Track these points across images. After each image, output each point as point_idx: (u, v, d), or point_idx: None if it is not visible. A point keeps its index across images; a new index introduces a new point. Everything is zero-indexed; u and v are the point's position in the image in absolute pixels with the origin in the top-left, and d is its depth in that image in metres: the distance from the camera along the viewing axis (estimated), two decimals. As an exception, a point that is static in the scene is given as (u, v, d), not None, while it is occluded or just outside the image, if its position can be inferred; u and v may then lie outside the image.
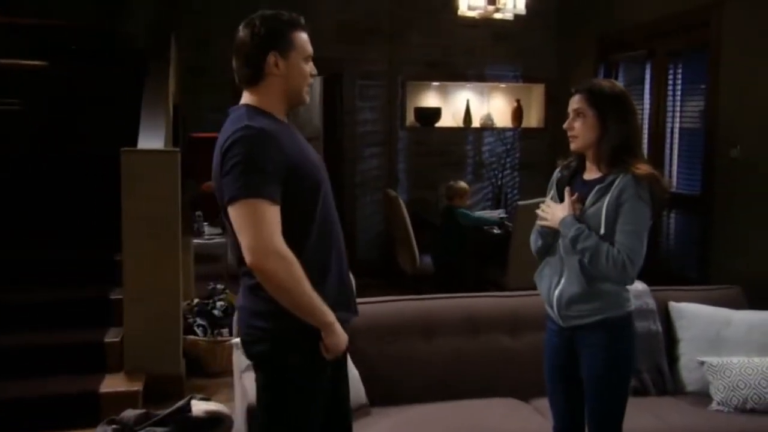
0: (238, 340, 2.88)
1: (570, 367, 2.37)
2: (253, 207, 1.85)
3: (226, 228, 2.07)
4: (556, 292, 2.34)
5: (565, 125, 2.37)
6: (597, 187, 2.29)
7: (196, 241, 5.09)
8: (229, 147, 1.89)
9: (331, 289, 2.00)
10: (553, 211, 2.34)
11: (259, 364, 2.05)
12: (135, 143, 3.99)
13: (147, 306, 3.85)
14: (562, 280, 2.33)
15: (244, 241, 1.86)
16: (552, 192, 2.45)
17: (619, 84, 2.42)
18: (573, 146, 2.37)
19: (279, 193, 1.88)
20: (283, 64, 1.98)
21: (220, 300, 4.69)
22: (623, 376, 2.32)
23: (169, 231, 3.92)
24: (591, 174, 2.36)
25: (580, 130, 2.32)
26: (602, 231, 2.24)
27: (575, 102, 2.34)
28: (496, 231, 5.32)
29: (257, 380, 2.08)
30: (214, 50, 6.06)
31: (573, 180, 2.40)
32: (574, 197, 2.33)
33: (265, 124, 1.93)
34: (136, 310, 3.84)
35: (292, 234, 1.90)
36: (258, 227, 1.84)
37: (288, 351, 1.97)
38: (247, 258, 1.86)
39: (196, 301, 4.69)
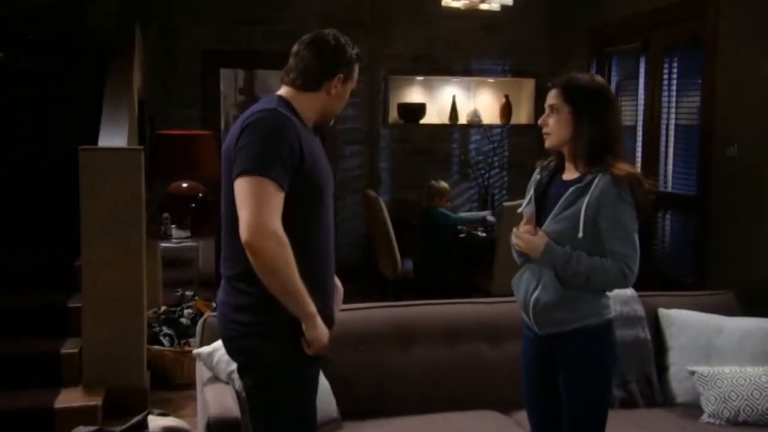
0: (200, 350, 2.88)
1: (548, 376, 2.36)
2: (261, 185, 1.96)
3: (221, 210, 2.14)
4: (532, 299, 2.33)
5: (539, 121, 2.37)
6: (574, 187, 2.28)
7: (163, 244, 5.05)
8: (252, 123, 2.02)
9: (313, 297, 2.06)
10: (530, 245, 2.30)
11: (243, 361, 2.15)
12: (97, 141, 3.96)
13: (108, 314, 3.82)
14: (539, 287, 2.32)
15: (244, 216, 1.96)
16: (530, 195, 2.44)
17: (600, 78, 2.41)
18: (547, 144, 2.37)
19: (287, 182, 2.00)
20: (340, 87, 2.19)
21: (188, 308, 4.65)
22: (603, 387, 2.31)
23: (132, 234, 3.89)
24: (570, 174, 2.35)
25: (553, 126, 2.32)
26: (580, 234, 2.23)
27: (551, 97, 2.33)
28: (481, 233, 5.31)
29: (245, 382, 2.18)
30: (185, 42, 6.03)
31: (552, 181, 2.40)
32: (532, 225, 2.33)
33: (292, 116, 2.08)
34: (95, 319, 3.80)
35: (287, 229, 2.00)
36: (261, 205, 1.95)
37: (272, 344, 2.07)
38: (244, 234, 1.95)
39: (162, 308, 4.66)
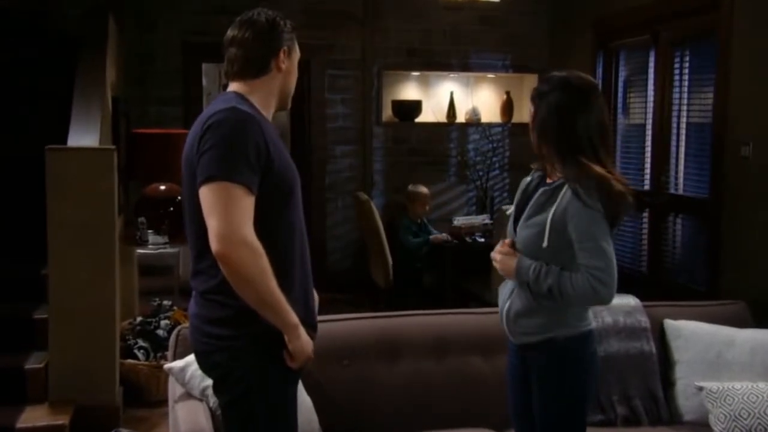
0: (173, 364, 2.86)
1: (527, 388, 2.38)
2: (228, 191, 1.95)
3: (185, 217, 2.15)
4: (506, 307, 2.37)
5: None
6: (541, 190, 2.31)
7: (140, 251, 5.04)
8: (213, 125, 2.00)
9: (293, 302, 2.06)
10: (504, 266, 2.34)
11: (218, 377, 2.14)
12: (66, 140, 3.95)
13: (77, 326, 3.81)
14: (513, 294, 2.36)
15: (212, 226, 1.95)
16: (517, 197, 2.45)
17: (577, 75, 2.36)
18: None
19: (256, 184, 1.99)
20: (287, 62, 2.19)
21: (165, 318, 4.63)
22: (574, 403, 2.31)
23: (103, 240, 3.88)
24: (551, 177, 2.37)
25: (530, 128, 2.36)
26: (544, 243, 2.23)
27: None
28: (479, 239, 5.30)
29: (220, 399, 2.18)
30: (164, 35, 6.02)
31: (540, 185, 2.41)
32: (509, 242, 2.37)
33: (253, 112, 2.07)
34: (63, 331, 3.79)
35: (259, 235, 1.98)
36: (230, 213, 1.94)
37: (249, 359, 2.06)
38: (214, 244, 1.94)
39: (138, 319, 4.64)
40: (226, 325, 2.07)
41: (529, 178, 2.46)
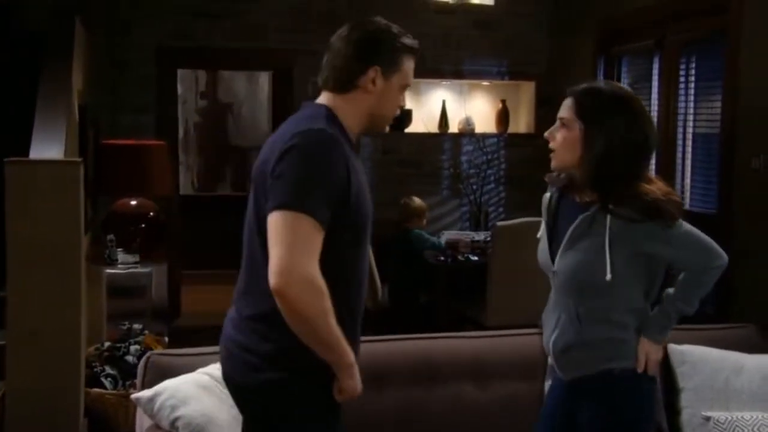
0: (140, 394, 2.82)
1: (572, 425, 2.35)
2: (299, 222, 1.90)
3: (244, 237, 2.13)
4: (551, 340, 2.33)
5: (545, 134, 2.30)
6: (581, 217, 2.24)
7: (109, 271, 5.01)
8: (295, 147, 1.94)
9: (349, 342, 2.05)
10: (655, 358, 2.35)
11: (251, 415, 2.12)
12: (27, 152, 3.93)
13: (37, 353, 3.75)
14: (558, 327, 2.32)
15: (274, 257, 1.91)
16: (544, 218, 2.40)
17: (628, 90, 2.34)
18: (552, 163, 2.31)
19: (328, 220, 1.94)
20: (381, 83, 2.09)
21: (135, 343, 4.60)
22: None
23: (67, 259, 3.85)
24: (582, 195, 2.30)
25: (560, 143, 2.26)
26: (607, 277, 2.18)
27: (563, 108, 2.27)
28: (473, 257, 5.30)
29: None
30: (135, 39, 6.03)
31: (562, 200, 2.36)
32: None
33: (339, 135, 2.01)
34: (22, 359, 3.73)
35: (324, 267, 1.95)
36: (297, 246, 1.89)
37: (289, 398, 2.03)
38: (272, 277, 1.90)
39: (106, 345, 4.60)
40: (268, 360, 2.03)
41: (548, 194, 2.41)
